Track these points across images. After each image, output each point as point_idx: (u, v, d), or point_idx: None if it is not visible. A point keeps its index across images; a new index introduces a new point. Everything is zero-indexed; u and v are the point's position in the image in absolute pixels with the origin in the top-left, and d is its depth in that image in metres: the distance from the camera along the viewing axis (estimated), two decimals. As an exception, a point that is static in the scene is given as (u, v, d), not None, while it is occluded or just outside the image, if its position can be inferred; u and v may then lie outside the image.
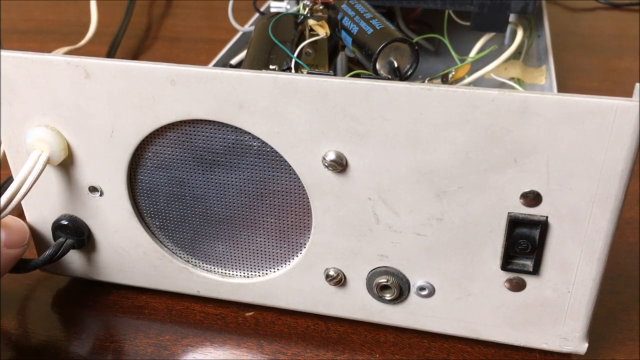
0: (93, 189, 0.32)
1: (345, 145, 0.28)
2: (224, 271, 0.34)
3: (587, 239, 0.27)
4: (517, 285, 0.29)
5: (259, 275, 0.34)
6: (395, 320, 0.32)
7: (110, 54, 0.62)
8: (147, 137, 0.30)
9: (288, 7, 0.49)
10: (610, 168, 0.26)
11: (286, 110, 0.28)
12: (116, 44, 0.64)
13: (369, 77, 0.31)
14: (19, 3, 0.79)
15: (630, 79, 0.58)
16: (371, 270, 0.31)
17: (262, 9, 0.50)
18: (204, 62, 0.41)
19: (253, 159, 0.30)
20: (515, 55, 0.43)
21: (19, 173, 0.30)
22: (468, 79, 0.40)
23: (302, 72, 0.32)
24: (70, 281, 0.37)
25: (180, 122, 0.30)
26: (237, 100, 0.28)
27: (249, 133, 0.29)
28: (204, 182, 0.31)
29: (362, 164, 0.28)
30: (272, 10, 0.49)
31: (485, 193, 0.28)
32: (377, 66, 0.35)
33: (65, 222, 0.34)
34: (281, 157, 0.29)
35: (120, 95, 0.29)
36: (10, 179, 0.42)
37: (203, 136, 0.30)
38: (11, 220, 0.32)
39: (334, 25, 0.39)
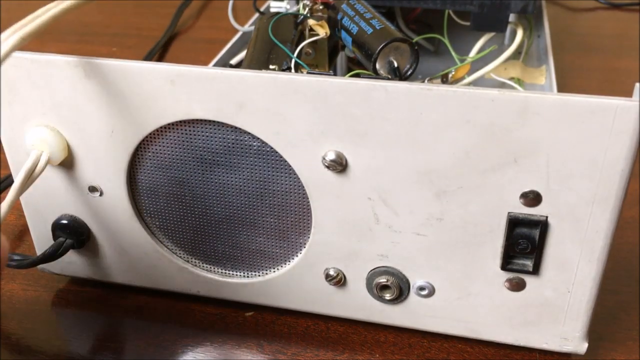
0: (93, 189, 0.32)
1: (345, 145, 0.28)
2: (224, 271, 0.34)
3: (587, 239, 0.27)
4: (517, 285, 0.29)
5: (259, 275, 0.34)
6: (395, 320, 0.32)
7: (150, 57, 0.63)
8: (147, 137, 0.30)
9: (288, 7, 0.49)
10: (610, 168, 0.26)
11: (286, 110, 0.28)
12: (156, 49, 0.65)
13: (369, 77, 0.31)
14: (19, 3, 0.79)
15: (630, 79, 0.58)
16: (371, 270, 0.31)
17: (262, 9, 0.50)
18: (204, 62, 0.41)
19: (253, 159, 0.30)
20: (515, 55, 0.43)
21: (20, 173, 0.30)
22: (468, 79, 0.40)
23: (302, 72, 0.32)
24: (70, 281, 0.37)
25: (180, 122, 0.30)
26: (237, 100, 0.28)
27: (249, 133, 0.29)
28: (204, 182, 0.31)
29: (362, 164, 0.28)
30: (272, 10, 0.49)
31: (485, 193, 0.28)
32: (377, 66, 0.35)
33: (65, 222, 0.34)
34: (281, 157, 0.29)
35: (120, 95, 0.29)
36: (9, 177, 0.42)
37: (203, 136, 0.30)
38: None
39: (334, 25, 0.39)
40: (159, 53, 0.66)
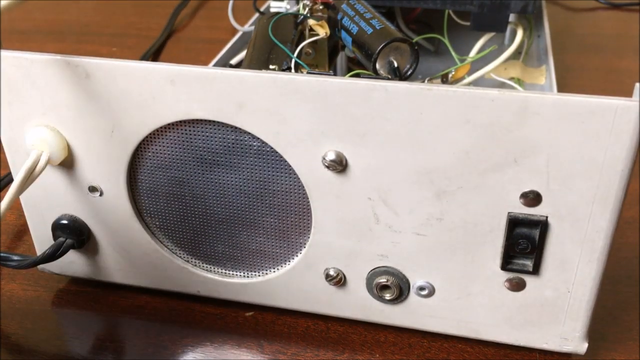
0: (93, 189, 0.32)
1: (345, 145, 0.28)
2: (224, 271, 0.34)
3: (587, 238, 0.27)
4: (517, 285, 0.29)
5: (259, 275, 0.34)
6: (395, 320, 0.32)
7: (146, 57, 0.63)
8: (147, 137, 0.30)
9: (288, 7, 0.49)
10: (610, 168, 0.26)
11: (286, 110, 0.28)
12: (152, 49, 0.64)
13: (369, 77, 0.31)
14: (19, 3, 0.79)
15: (630, 79, 0.58)
16: (371, 270, 0.31)
17: (262, 9, 0.50)
18: (204, 62, 0.41)
19: (253, 159, 0.30)
20: (515, 55, 0.43)
21: (19, 172, 0.30)
22: (468, 79, 0.40)
23: (302, 72, 0.33)
24: (70, 281, 0.37)
25: (180, 122, 0.30)
26: (237, 100, 0.28)
27: (249, 133, 0.29)
28: (203, 182, 0.31)
29: (362, 163, 0.28)
30: (272, 10, 0.49)
31: (485, 193, 0.28)
32: (377, 66, 0.35)
33: (65, 222, 0.34)
34: (281, 157, 0.29)
35: (120, 95, 0.29)
36: (8, 175, 0.42)
37: (203, 136, 0.30)
38: None
39: (334, 25, 0.39)
40: (159, 53, 0.66)
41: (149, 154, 0.31)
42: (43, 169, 0.30)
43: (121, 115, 0.30)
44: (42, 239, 0.35)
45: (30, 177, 0.30)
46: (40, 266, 0.36)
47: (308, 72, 0.30)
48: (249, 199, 0.31)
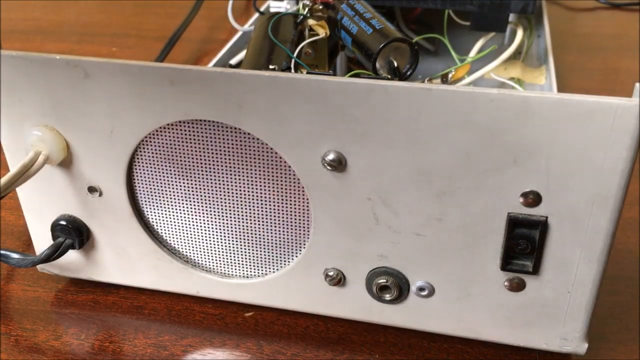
0: (92, 189, 0.32)
1: (344, 145, 0.28)
2: (223, 271, 0.34)
3: (587, 239, 0.27)
4: (517, 286, 0.29)
5: (259, 275, 0.33)
6: (395, 320, 0.32)
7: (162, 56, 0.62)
8: (146, 137, 0.30)
9: (288, 7, 0.49)
10: (610, 168, 0.26)
11: (286, 110, 0.28)
12: (171, 44, 0.63)
13: (368, 77, 0.31)
14: (19, 3, 0.79)
15: (630, 79, 0.58)
16: (371, 271, 0.31)
17: (262, 9, 0.50)
18: (204, 62, 0.41)
19: (252, 159, 0.30)
20: (515, 55, 0.43)
21: (15, 167, 0.29)
22: (468, 79, 0.40)
23: (302, 72, 0.32)
24: (69, 281, 0.37)
25: (180, 122, 0.30)
26: (236, 100, 0.28)
27: (249, 133, 0.29)
28: (203, 182, 0.31)
29: (362, 164, 0.28)
30: (272, 10, 0.49)
31: (485, 193, 0.28)
32: (377, 66, 0.35)
33: (64, 223, 0.33)
34: (280, 157, 0.29)
35: (120, 95, 0.29)
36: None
37: (203, 136, 0.30)
38: None
39: (334, 25, 0.39)
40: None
41: (149, 155, 0.31)
42: (41, 167, 0.30)
43: (121, 115, 0.30)
44: (41, 239, 0.35)
45: (26, 173, 0.30)
46: (40, 266, 0.36)
47: (308, 72, 0.30)
48: (248, 199, 0.31)
